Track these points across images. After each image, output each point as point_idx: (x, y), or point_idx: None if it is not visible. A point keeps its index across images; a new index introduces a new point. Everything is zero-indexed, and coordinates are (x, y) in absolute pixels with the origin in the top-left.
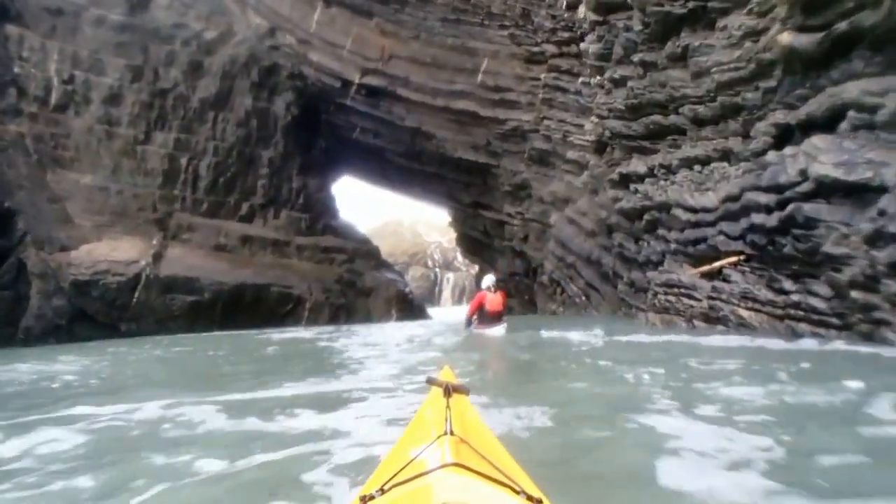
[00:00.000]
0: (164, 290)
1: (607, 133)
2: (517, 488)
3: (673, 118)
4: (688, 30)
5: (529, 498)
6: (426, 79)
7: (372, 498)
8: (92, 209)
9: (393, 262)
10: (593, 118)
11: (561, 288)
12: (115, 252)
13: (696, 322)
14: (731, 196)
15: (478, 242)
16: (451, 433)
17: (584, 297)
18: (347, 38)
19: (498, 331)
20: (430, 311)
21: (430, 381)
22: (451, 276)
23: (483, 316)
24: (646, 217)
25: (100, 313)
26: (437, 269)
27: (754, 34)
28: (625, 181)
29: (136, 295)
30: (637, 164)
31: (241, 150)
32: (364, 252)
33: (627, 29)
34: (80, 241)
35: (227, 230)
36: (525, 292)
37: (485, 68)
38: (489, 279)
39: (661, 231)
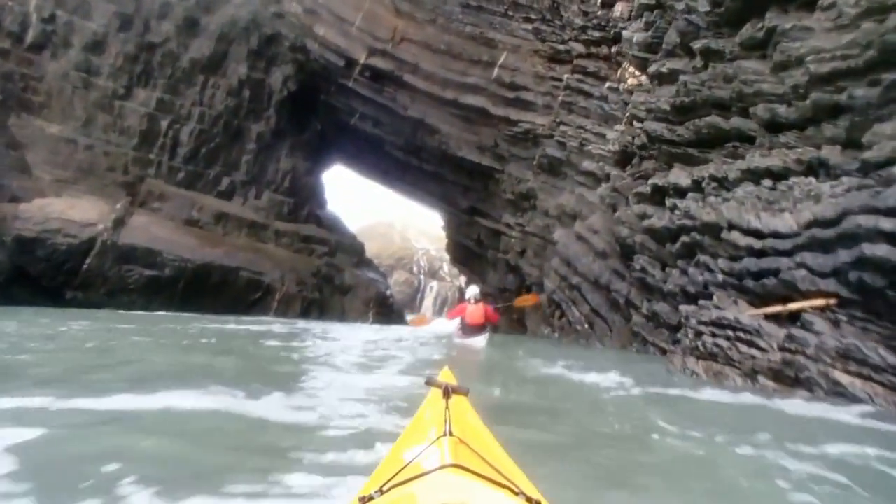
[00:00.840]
0: (120, 260)
1: (640, 140)
2: (516, 489)
3: (737, 120)
4: (776, 9)
5: (528, 499)
6: (437, 67)
7: (371, 499)
8: (55, 162)
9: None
10: (619, 126)
11: (561, 311)
12: (71, 211)
13: (760, 379)
14: (822, 220)
15: (469, 252)
16: (451, 434)
17: (586, 325)
18: (358, 13)
19: (478, 342)
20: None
21: (430, 382)
22: (434, 284)
23: (463, 327)
24: (682, 239)
25: (44, 276)
26: (422, 277)
27: (880, 11)
28: (658, 195)
29: (89, 261)
30: (678, 176)
31: (228, 120)
32: (347, 247)
33: (689, 11)
34: (35, 193)
35: (202, 204)
36: (515, 311)
37: (502, 62)
38: (472, 290)
39: (703, 257)
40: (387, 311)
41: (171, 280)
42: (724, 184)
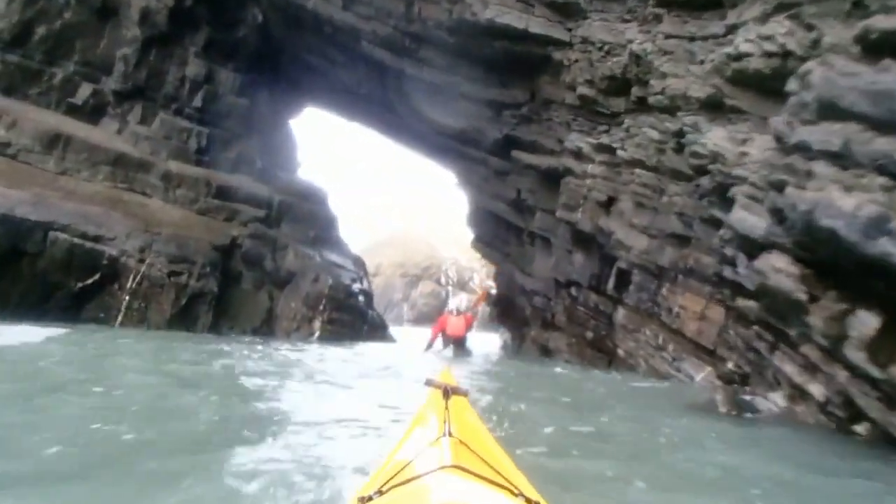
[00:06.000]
0: None
1: None
2: (516, 491)
3: None
4: None
5: (528, 500)
6: None
7: (370, 499)
8: None
9: (403, 275)
10: None
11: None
12: None
13: None
14: None
15: (500, 225)
16: (450, 435)
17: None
18: None
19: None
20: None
21: (430, 383)
22: (463, 296)
23: (445, 339)
24: None
25: None
26: (450, 288)
27: None
28: None
29: None
30: None
31: None
32: (303, 213)
33: None
34: None
35: (24, 120)
36: (588, 325)
37: None
38: (455, 301)
39: None
40: (351, 321)
41: None
42: None
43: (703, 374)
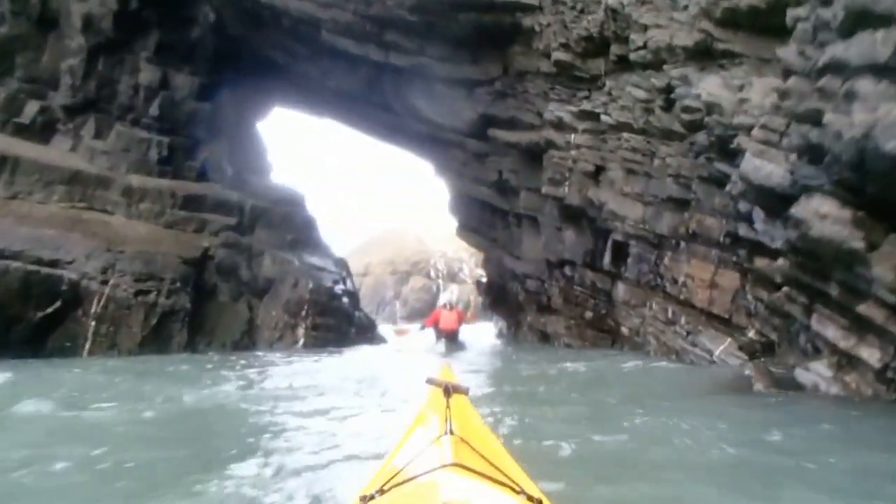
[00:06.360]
0: None
1: None
2: (517, 488)
3: None
4: None
5: (530, 498)
6: None
7: (372, 498)
8: None
9: (393, 272)
10: None
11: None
12: None
13: None
14: None
15: (484, 209)
16: (452, 433)
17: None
18: None
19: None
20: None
21: (431, 381)
22: (454, 288)
23: (438, 333)
24: None
25: None
26: (440, 281)
27: None
28: None
29: None
30: None
31: None
32: (279, 216)
33: None
34: None
35: None
36: (586, 304)
37: None
38: (447, 296)
39: None
40: (337, 325)
41: None
42: None
43: (722, 347)
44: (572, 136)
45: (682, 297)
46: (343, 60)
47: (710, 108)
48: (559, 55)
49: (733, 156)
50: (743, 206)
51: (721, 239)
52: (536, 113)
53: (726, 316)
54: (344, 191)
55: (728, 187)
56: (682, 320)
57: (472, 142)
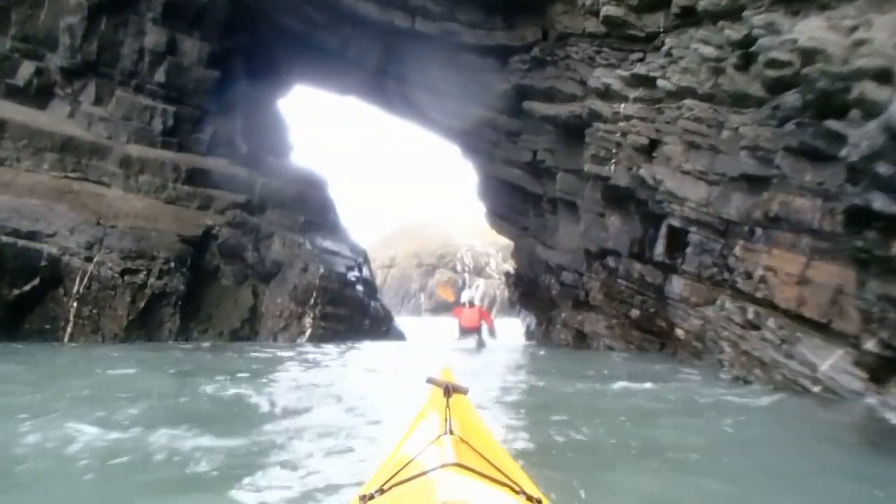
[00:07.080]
0: None
1: None
2: (517, 488)
3: None
4: None
5: (529, 498)
6: None
7: (372, 497)
8: None
9: (419, 265)
10: None
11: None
12: None
13: None
14: None
15: (515, 193)
16: (451, 433)
17: None
18: None
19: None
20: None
21: (431, 381)
22: (481, 282)
23: (460, 330)
24: None
25: None
26: (467, 275)
27: None
28: None
29: None
30: None
31: None
32: (293, 196)
33: None
34: None
35: None
36: (632, 301)
37: None
38: (468, 294)
39: None
40: (348, 314)
41: None
42: None
43: (831, 361)
44: (622, 105)
45: (758, 294)
46: (365, 29)
47: (811, 56)
48: (610, 10)
49: (841, 114)
50: (884, 169)
51: (817, 223)
52: (579, 81)
53: (823, 320)
54: (368, 177)
55: (845, 151)
56: (771, 323)
57: (503, 118)
